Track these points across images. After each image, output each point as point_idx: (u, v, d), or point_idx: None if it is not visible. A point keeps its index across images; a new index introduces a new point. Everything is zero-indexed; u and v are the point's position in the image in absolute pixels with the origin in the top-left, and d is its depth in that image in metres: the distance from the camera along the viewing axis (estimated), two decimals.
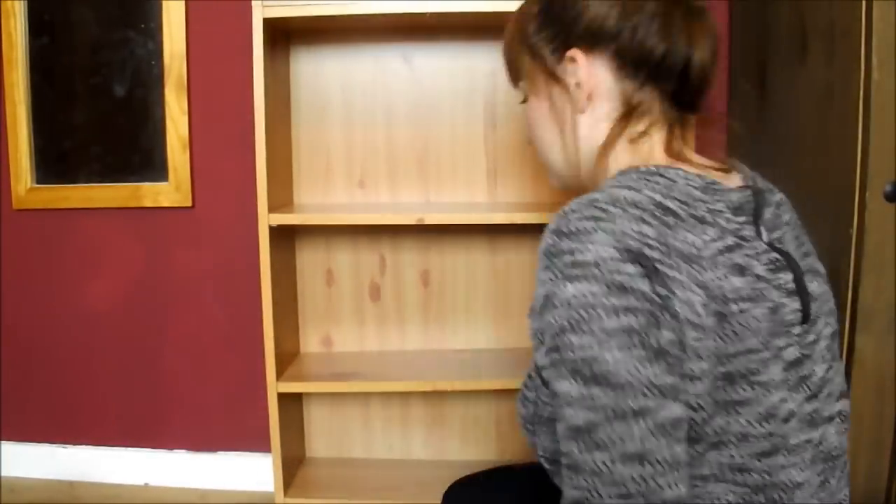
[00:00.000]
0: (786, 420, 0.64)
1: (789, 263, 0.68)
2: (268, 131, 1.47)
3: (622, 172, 0.71)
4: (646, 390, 0.57)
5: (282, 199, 1.63)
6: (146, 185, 1.83)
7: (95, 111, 1.84)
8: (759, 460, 0.63)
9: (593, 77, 0.73)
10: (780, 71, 1.44)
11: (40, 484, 1.92)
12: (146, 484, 1.93)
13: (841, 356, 1.17)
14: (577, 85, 0.74)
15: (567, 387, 0.59)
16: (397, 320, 1.78)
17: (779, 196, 0.78)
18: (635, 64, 0.72)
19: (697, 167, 0.72)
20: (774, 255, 0.67)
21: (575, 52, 0.73)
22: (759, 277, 0.64)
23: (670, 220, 0.62)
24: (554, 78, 0.76)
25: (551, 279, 0.60)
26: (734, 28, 1.67)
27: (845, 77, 1.16)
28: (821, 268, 0.77)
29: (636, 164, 0.72)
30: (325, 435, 1.84)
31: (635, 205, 0.62)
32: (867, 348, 1.16)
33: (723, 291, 0.61)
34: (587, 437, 0.58)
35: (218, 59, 1.78)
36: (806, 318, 0.68)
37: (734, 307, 0.61)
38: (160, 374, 1.91)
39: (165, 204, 1.83)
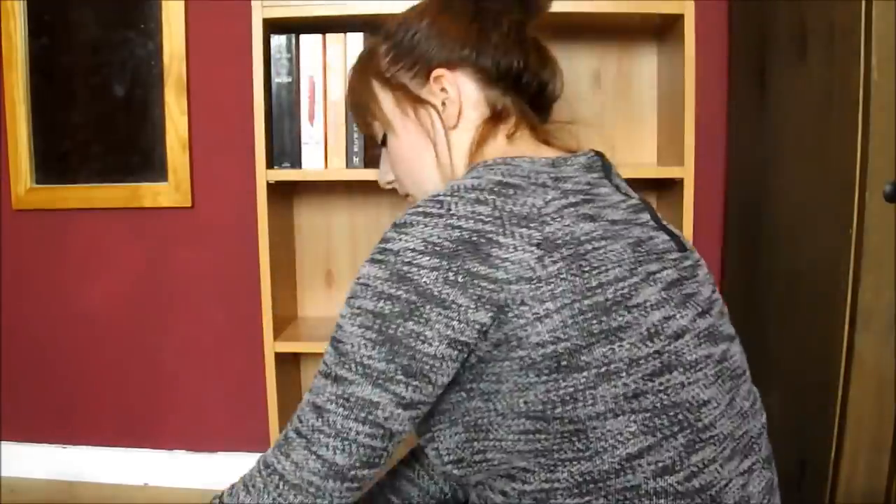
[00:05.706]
0: (677, 336, 0.67)
1: (647, 206, 0.77)
2: (267, 131, 1.47)
3: (471, 167, 0.77)
4: (354, 365, 0.65)
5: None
6: (146, 186, 1.83)
7: (95, 111, 1.84)
8: (652, 380, 0.65)
9: (460, 92, 0.81)
10: (780, 71, 1.44)
11: (40, 484, 1.92)
12: (145, 484, 1.93)
13: (841, 356, 1.18)
14: (444, 103, 0.80)
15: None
16: None
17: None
18: (498, 75, 0.81)
19: (548, 154, 0.79)
20: (633, 200, 0.76)
21: (440, 72, 0.80)
22: (614, 222, 0.70)
23: (510, 191, 0.68)
24: (420, 102, 0.82)
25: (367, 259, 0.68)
26: (734, 28, 1.67)
27: (845, 77, 1.16)
28: None
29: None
30: None
31: (473, 188, 0.68)
32: (867, 348, 1.15)
33: (574, 236, 0.67)
34: (313, 382, 0.69)
35: (218, 59, 1.78)
36: (680, 248, 0.75)
37: (588, 246, 0.67)
38: (160, 374, 1.91)
39: (165, 204, 1.83)
